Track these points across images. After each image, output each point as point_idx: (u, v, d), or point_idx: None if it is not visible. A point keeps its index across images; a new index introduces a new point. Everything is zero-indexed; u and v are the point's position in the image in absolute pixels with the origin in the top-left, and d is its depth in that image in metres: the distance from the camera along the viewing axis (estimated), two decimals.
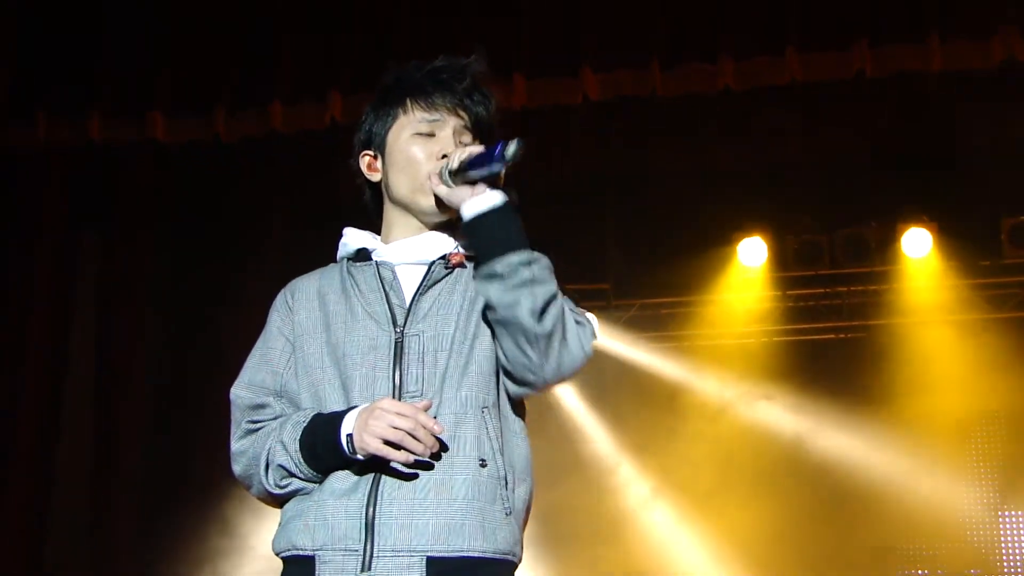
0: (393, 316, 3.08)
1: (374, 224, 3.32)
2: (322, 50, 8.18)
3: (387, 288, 3.13)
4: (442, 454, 2.92)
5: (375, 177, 3.28)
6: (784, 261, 10.04)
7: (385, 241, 3.25)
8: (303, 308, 3.19)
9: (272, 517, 3.10)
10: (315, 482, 2.99)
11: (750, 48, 7.78)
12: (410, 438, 2.83)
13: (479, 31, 7.81)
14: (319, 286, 3.23)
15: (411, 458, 2.86)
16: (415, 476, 2.91)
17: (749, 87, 7.81)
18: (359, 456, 2.89)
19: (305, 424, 2.99)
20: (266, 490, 3.06)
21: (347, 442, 2.90)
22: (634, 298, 10.01)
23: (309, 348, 3.13)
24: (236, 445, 3.14)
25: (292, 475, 3.00)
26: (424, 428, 2.84)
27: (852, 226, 9.90)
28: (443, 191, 3.06)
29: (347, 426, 2.91)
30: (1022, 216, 9.52)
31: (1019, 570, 9.99)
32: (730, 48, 7.77)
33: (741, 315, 10.41)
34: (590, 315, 3.09)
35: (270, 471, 3.03)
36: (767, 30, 7.80)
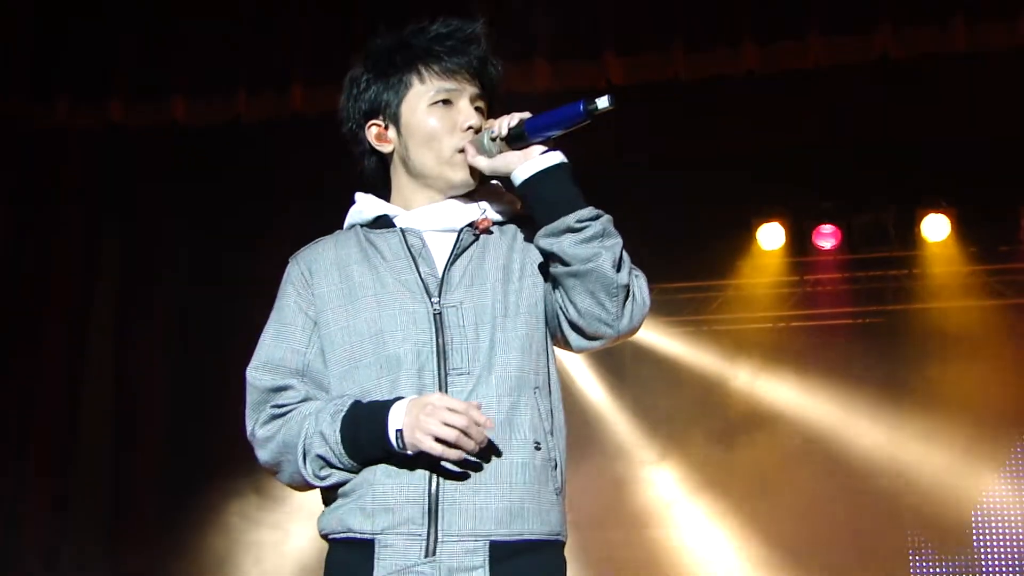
0: (426, 286, 3.00)
1: (378, 193, 3.21)
2: (339, 32, 8.15)
3: (416, 256, 3.04)
4: (497, 439, 2.88)
5: (386, 148, 3.15)
6: (802, 246, 10.01)
7: (404, 208, 3.14)
8: (323, 280, 3.07)
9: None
10: (355, 472, 2.92)
11: (773, 32, 7.76)
12: (464, 436, 2.78)
13: None
14: (337, 255, 3.11)
15: (462, 455, 2.81)
16: (473, 459, 2.86)
17: (772, 71, 7.80)
18: (408, 452, 2.83)
19: (344, 413, 2.90)
20: (304, 480, 2.96)
21: (396, 437, 2.83)
22: (653, 283, 9.96)
23: (336, 324, 3.02)
24: (261, 431, 3.02)
25: (332, 466, 2.92)
26: (477, 426, 2.80)
27: (870, 211, 9.87)
28: (483, 162, 3.02)
29: (395, 420, 2.83)
30: None
31: None
32: (752, 32, 7.75)
33: (760, 300, 10.40)
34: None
35: (308, 461, 2.93)
36: (788, 14, 7.79)
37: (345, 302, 3.03)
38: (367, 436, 2.87)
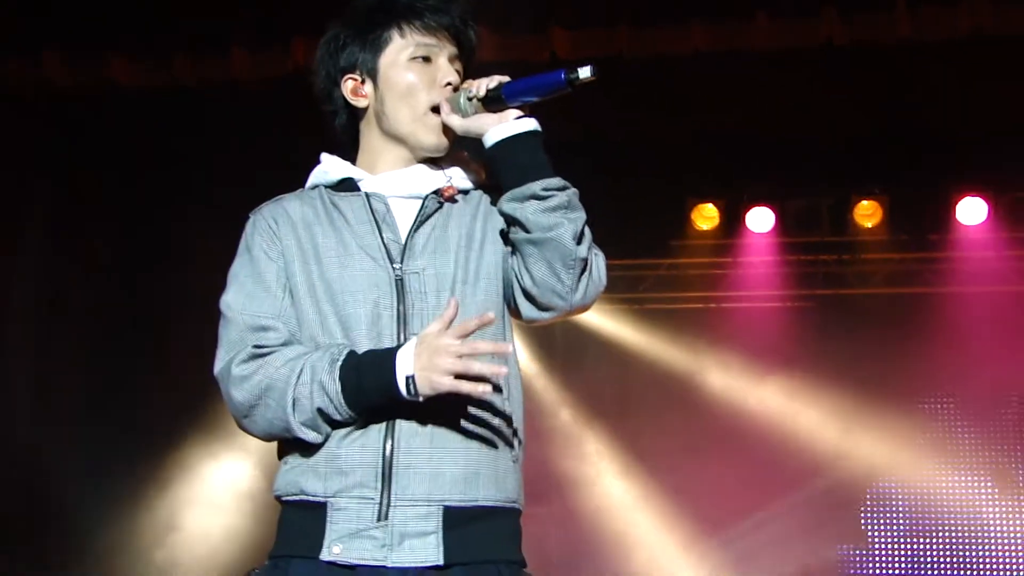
0: (388, 252, 2.95)
1: (345, 154, 3.16)
2: None
3: (379, 221, 2.99)
4: (453, 405, 2.83)
5: (361, 103, 3.11)
6: (735, 228, 10.06)
7: (370, 172, 3.09)
8: (289, 234, 3.00)
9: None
10: (352, 423, 2.84)
11: (719, 13, 7.78)
12: (477, 363, 2.73)
13: None
14: (302, 213, 3.04)
15: (487, 387, 2.74)
16: (429, 423, 2.83)
17: (717, 52, 7.81)
18: (420, 398, 2.76)
19: (342, 363, 2.82)
20: (287, 426, 2.85)
21: (406, 384, 2.75)
22: None
23: (299, 279, 2.95)
24: (238, 369, 2.88)
25: (329, 419, 2.83)
26: (481, 350, 2.75)
27: (805, 196, 9.94)
28: (456, 120, 2.99)
29: (404, 366, 2.75)
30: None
31: None
32: (699, 12, 7.76)
33: (692, 280, 10.47)
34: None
35: (298, 412, 2.83)
36: None
37: (308, 261, 2.98)
38: (373, 386, 2.79)
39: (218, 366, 2.94)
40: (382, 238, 2.98)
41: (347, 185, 3.09)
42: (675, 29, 7.80)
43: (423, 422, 2.83)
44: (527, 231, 2.87)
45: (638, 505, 10.41)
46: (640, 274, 10.42)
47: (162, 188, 9.49)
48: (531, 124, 2.95)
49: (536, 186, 2.86)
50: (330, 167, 3.14)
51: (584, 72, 2.85)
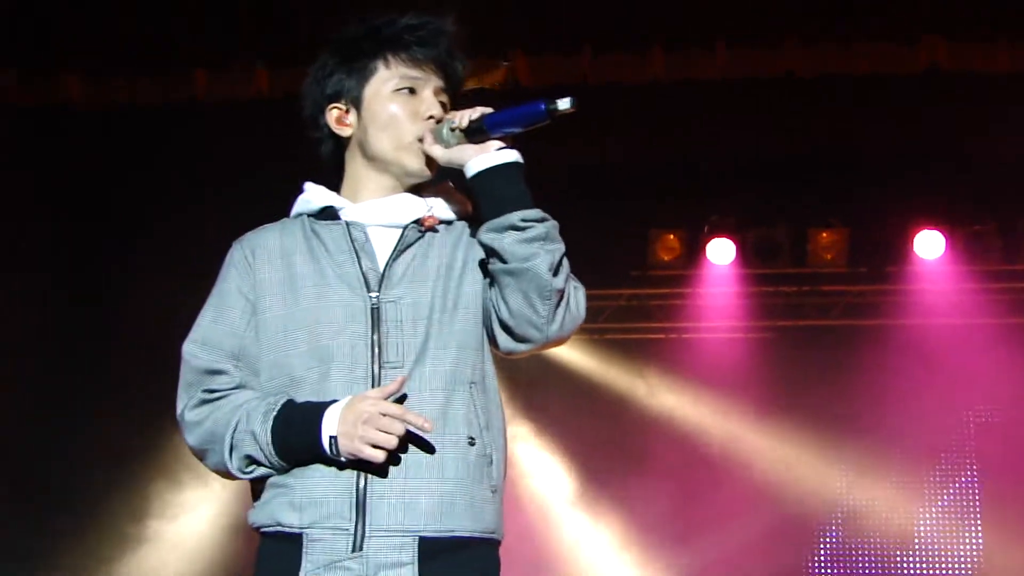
0: (366, 280, 2.97)
1: (329, 182, 3.19)
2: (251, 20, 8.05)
3: (358, 250, 3.01)
4: (429, 434, 2.86)
5: (345, 132, 3.13)
6: (696, 259, 10.08)
7: (352, 200, 3.11)
8: (265, 266, 3.05)
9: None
10: (283, 471, 2.90)
11: (680, 42, 7.82)
12: (395, 439, 2.77)
13: None
14: (282, 243, 3.08)
15: (383, 455, 2.79)
16: (404, 453, 2.84)
17: (677, 81, 7.85)
18: (342, 459, 2.82)
19: (276, 413, 2.87)
20: (229, 472, 2.95)
21: (330, 444, 2.80)
22: None
23: (273, 311, 2.99)
24: (190, 414, 2.99)
25: (260, 464, 2.91)
26: (412, 428, 2.80)
27: (765, 227, 9.97)
28: (439, 151, 3.00)
29: (329, 426, 2.81)
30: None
31: None
32: (659, 41, 7.81)
33: (652, 311, 10.51)
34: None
35: (234, 457, 2.91)
36: (697, 25, 7.86)
37: (284, 291, 3.01)
38: (299, 440, 2.85)
39: (178, 409, 3.04)
40: (361, 267, 3.00)
41: (329, 213, 3.10)
42: (636, 57, 7.83)
43: (398, 452, 2.83)
44: (504, 261, 2.87)
45: (595, 534, 10.40)
46: (601, 304, 10.41)
47: (114, 212, 9.45)
48: (512, 155, 2.95)
49: (515, 217, 2.86)
50: (313, 195, 3.16)
51: (564, 104, 2.86)
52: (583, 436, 10.37)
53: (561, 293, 2.89)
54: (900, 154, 9.15)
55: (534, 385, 10.29)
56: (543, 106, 2.87)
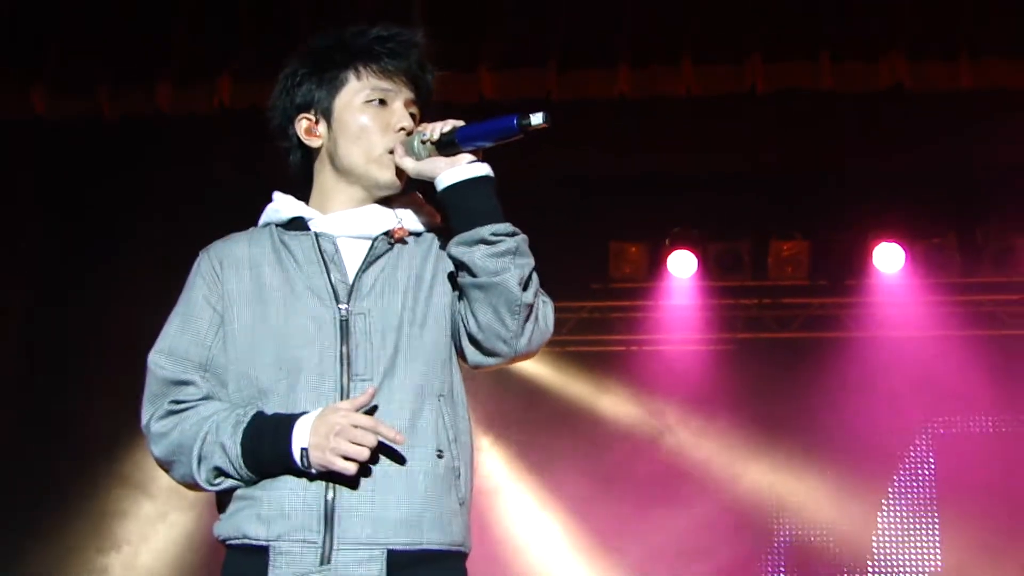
0: (335, 292, 2.96)
1: (297, 192, 3.18)
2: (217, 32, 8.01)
3: (328, 261, 3.00)
4: (398, 446, 2.85)
5: (315, 143, 3.11)
6: (657, 271, 10.10)
7: (321, 211, 3.09)
8: (233, 276, 3.02)
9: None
10: (252, 483, 2.89)
11: (647, 57, 7.85)
12: (366, 451, 2.77)
13: None
14: (250, 253, 3.06)
15: (354, 467, 2.79)
16: (373, 465, 2.83)
17: (643, 96, 7.87)
18: (312, 471, 2.81)
19: (246, 425, 2.86)
20: (196, 484, 2.93)
21: (301, 456, 2.80)
22: None
23: (240, 321, 2.98)
24: (156, 425, 2.96)
25: (229, 476, 2.89)
26: (384, 439, 2.80)
27: (726, 240, 10.00)
28: (409, 163, 2.99)
29: (300, 438, 2.81)
30: None
31: None
32: (626, 57, 7.83)
33: (613, 323, 10.53)
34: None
35: (203, 468, 2.90)
36: (663, 41, 7.88)
37: (252, 302, 2.99)
38: (270, 452, 2.84)
39: (143, 420, 3.01)
40: (330, 278, 2.99)
41: (297, 224, 3.09)
42: (602, 73, 7.85)
43: (367, 465, 2.82)
44: (474, 275, 2.87)
45: (558, 544, 10.40)
46: (561, 317, 10.29)
47: (85, 222, 9.39)
48: (483, 169, 2.95)
49: (485, 231, 2.85)
50: (281, 205, 3.14)
51: (536, 119, 2.87)
52: (544, 448, 10.36)
53: (530, 308, 2.90)
54: (860, 167, 9.21)
55: (495, 397, 10.28)
56: (515, 121, 2.88)
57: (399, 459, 2.85)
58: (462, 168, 2.93)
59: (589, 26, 7.91)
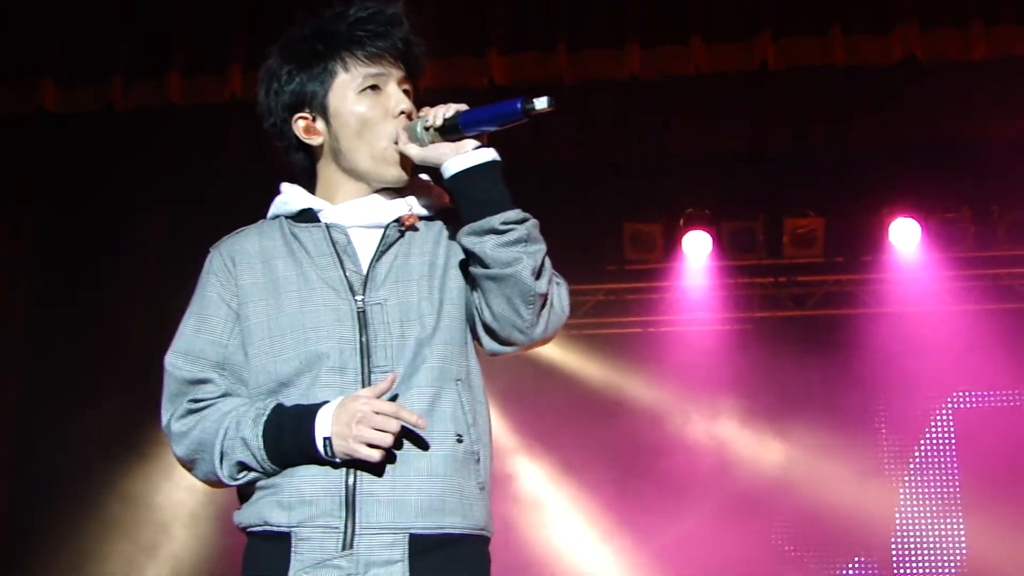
0: (350, 284, 2.94)
1: (302, 184, 3.14)
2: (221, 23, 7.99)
3: (340, 253, 2.97)
4: (418, 431, 2.84)
5: (316, 141, 3.05)
6: (672, 252, 10.08)
7: (330, 202, 3.05)
8: (246, 272, 3.00)
9: None
10: (275, 475, 2.87)
11: (655, 36, 7.81)
12: (389, 437, 2.76)
13: None
14: (261, 247, 3.03)
15: (380, 454, 2.78)
16: (393, 450, 2.81)
17: (655, 76, 7.84)
18: (336, 460, 2.80)
19: (266, 418, 2.84)
20: (219, 480, 2.91)
21: (324, 445, 2.78)
22: None
23: (257, 317, 2.95)
24: (176, 425, 2.95)
25: (252, 470, 2.88)
26: (407, 424, 2.78)
27: (740, 219, 9.98)
28: (414, 150, 2.94)
29: (322, 428, 2.79)
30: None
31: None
32: (635, 36, 7.79)
33: (630, 305, 10.52)
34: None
35: (225, 464, 2.88)
36: (671, 19, 7.85)
37: (268, 296, 2.97)
38: (292, 443, 2.82)
39: (163, 421, 3.00)
40: (344, 270, 2.96)
41: (307, 216, 3.05)
42: (611, 53, 7.81)
43: (388, 450, 2.80)
44: (486, 266, 2.84)
45: (579, 528, 10.40)
46: (578, 299, 10.39)
47: (94, 216, 9.39)
48: (489, 155, 2.90)
49: (495, 220, 2.81)
50: (290, 197, 3.10)
51: (540, 103, 2.83)
52: (563, 431, 10.35)
53: (545, 296, 2.87)
54: (874, 143, 9.18)
55: (513, 382, 10.27)
56: (519, 105, 2.83)
57: (419, 444, 2.84)
58: (468, 155, 2.88)
59: (597, 6, 7.87)
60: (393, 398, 2.83)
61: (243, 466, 2.87)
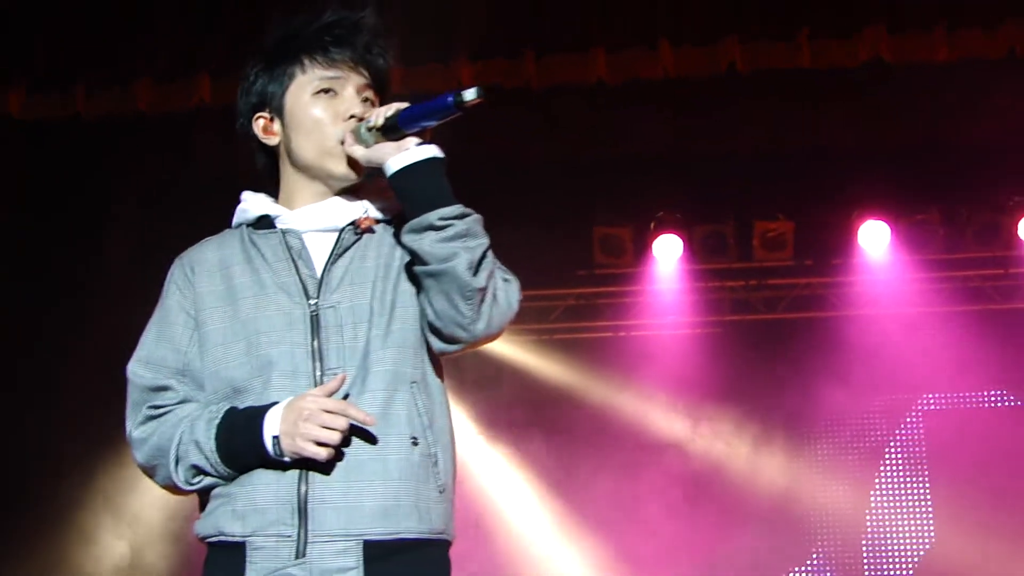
0: (305, 287, 2.94)
1: (268, 190, 3.16)
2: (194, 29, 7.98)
3: (295, 257, 2.98)
4: (374, 434, 2.83)
5: (272, 141, 3.09)
6: (643, 255, 10.09)
7: (288, 207, 3.07)
8: (204, 280, 3.01)
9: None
10: (231, 480, 2.87)
11: (623, 41, 7.83)
12: (337, 435, 2.75)
13: None
14: (220, 256, 3.04)
15: (330, 452, 2.78)
16: (345, 455, 2.81)
17: (623, 80, 7.86)
18: (286, 459, 2.79)
19: (219, 421, 2.85)
20: (176, 485, 2.93)
21: (273, 444, 2.78)
22: None
23: (214, 324, 2.95)
24: (137, 431, 2.96)
25: (207, 474, 2.88)
26: (355, 422, 2.77)
27: (711, 223, 9.99)
28: (359, 152, 2.94)
29: (271, 427, 2.79)
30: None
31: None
32: (602, 41, 7.81)
33: (600, 309, 10.52)
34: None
35: (180, 468, 2.89)
36: (639, 24, 7.87)
37: (224, 303, 2.98)
38: (243, 443, 2.82)
39: (126, 429, 3.01)
40: (299, 274, 2.97)
41: (265, 222, 3.07)
42: (579, 58, 7.83)
43: (339, 454, 2.80)
44: (425, 263, 2.84)
45: (548, 532, 10.40)
46: (549, 304, 10.40)
47: (63, 222, 9.36)
48: (429, 151, 2.90)
49: (432, 216, 2.81)
50: (250, 205, 3.13)
51: (469, 94, 2.82)
52: (534, 436, 10.35)
53: (483, 291, 2.84)
54: (843, 146, 9.21)
55: (482, 386, 10.28)
56: (451, 98, 2.83)
57: (374, 448, 2.83)
58: (408, 152, 2.88)
59: (564, 12, 7.88)
60: (344, 400, 2.82)
61: (198, 470, 2.88)
